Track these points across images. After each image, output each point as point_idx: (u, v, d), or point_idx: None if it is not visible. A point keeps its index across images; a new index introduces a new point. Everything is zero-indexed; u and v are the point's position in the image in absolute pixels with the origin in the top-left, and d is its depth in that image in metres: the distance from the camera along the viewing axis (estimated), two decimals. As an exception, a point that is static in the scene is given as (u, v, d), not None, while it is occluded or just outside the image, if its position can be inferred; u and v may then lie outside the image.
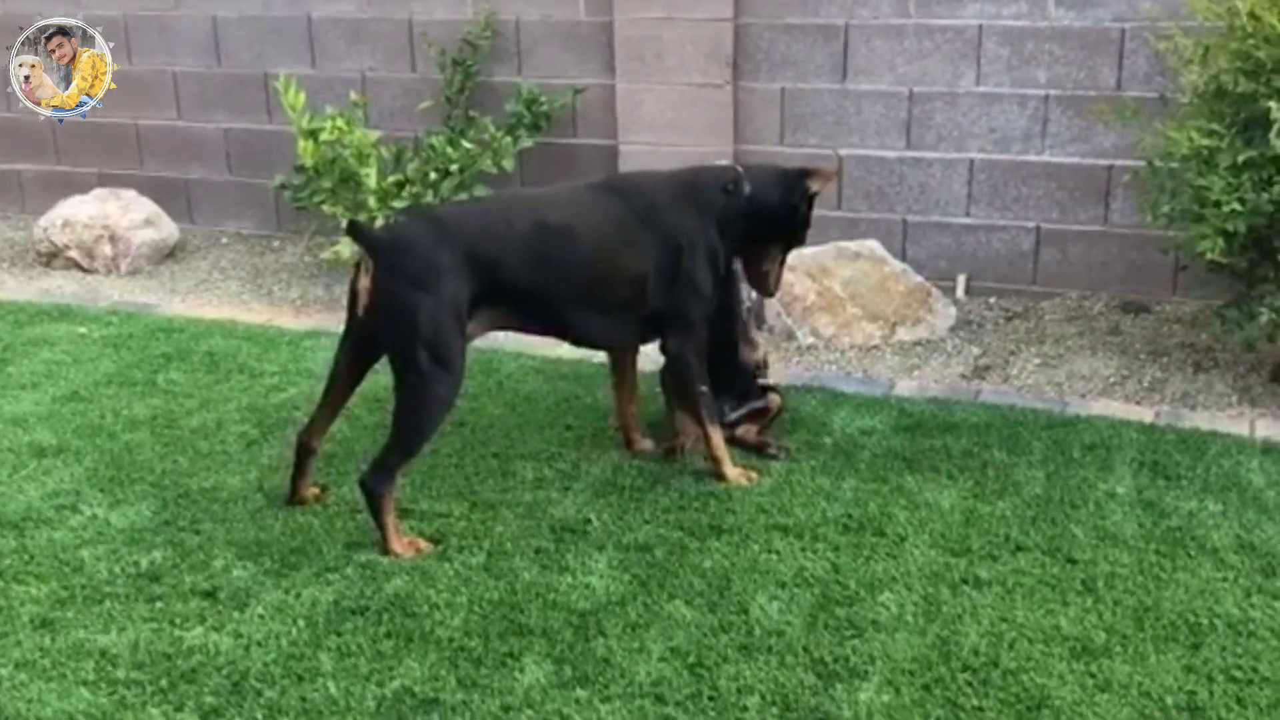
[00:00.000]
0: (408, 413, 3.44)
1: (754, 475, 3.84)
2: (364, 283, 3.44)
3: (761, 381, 4.19)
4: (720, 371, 3.95)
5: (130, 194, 6.41)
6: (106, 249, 6.12)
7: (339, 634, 3.08)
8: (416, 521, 3.60)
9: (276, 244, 6.47)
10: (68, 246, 6.16)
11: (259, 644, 3.04)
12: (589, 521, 3.59)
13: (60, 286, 5.94)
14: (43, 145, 6.87)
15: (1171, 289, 5.26)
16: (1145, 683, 2.85)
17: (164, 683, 2.90)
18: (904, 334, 5.09)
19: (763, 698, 2.83)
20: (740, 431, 4.06)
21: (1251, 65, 4.10)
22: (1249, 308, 4.30)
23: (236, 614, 3.17)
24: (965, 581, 3.27)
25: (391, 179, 5.59)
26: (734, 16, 5.51)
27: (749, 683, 2.88)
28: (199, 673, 2.93)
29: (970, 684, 2.86)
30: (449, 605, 3.19)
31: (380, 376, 3.63)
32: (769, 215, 3.86)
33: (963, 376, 4.73)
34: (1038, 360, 4.84)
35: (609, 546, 3.47)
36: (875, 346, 5.03)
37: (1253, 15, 4.06)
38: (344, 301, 3.66)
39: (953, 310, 5.26)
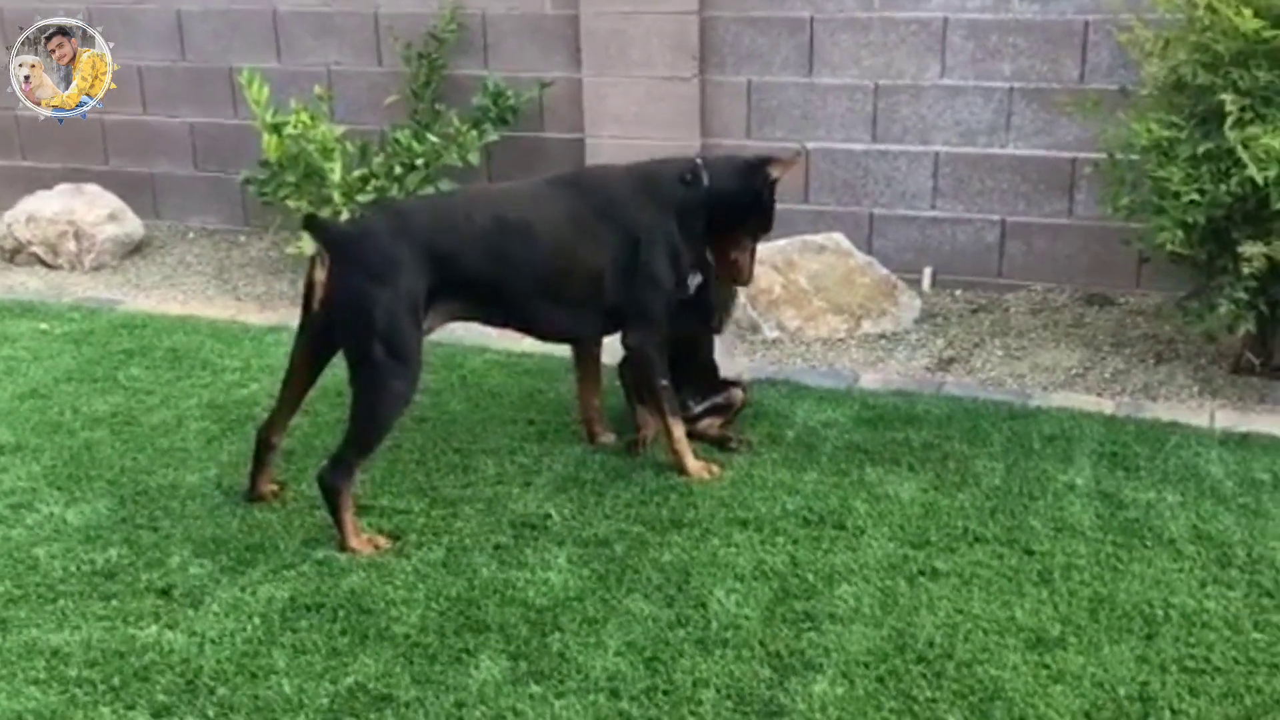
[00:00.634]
0: (364, 408, 3.43)
1: (716, 469, 3.83)
2: (320, 276, 3.42)
3: (725, 376, 4.19)
4: (683, 366, 3.95)
5: (95, 189, 6.37)
6: (71, 245, 6.08)
7: (294, 631, 3.06)
8: (376, 518, 3.59)
9: (243, 239, 6.44)
10: (31, 242, 6.11)
11: (213, 641, 3.02)
12: (549, 517, 3.59)
13: (24, 283, 5.90)
14: (7, 140, 6.81)
15: (1135, 281, 5.28)
16: (1098, 673, 2.87)
17: (116, 681, 2.88)
18: (869, 327, 5.10)
19: (718, 691, 2.83)
20: (703, 425, 4.06)
21: (1210, 58, 4.11)
22: (1209, 299, 4.31)
23: (191, 611, 3.15)
24: (923, 573, 3.28)
25: (356, 173, 5.57)
26: (699, 9, 5.50)
27: (704, 676, 2.87)
28: (151, 671, 2.91)
29: (924, 676, 2.87)
30: (406, 601, 3.18)
31: (340, 371, 3.61)
32: (731, 204, 3.85)
33: (927, 369, 4.74)
34: (1001, 352, 4.85)
35: (568, 542, 3.46)
36: (840, 339, 5.04)
37: (1211, 8, 4.06)
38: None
39: (918, 303, 5.27)
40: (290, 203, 5.61)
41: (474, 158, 5.62)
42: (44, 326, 5.19)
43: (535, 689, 2.84)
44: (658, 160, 4.07)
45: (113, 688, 2.86)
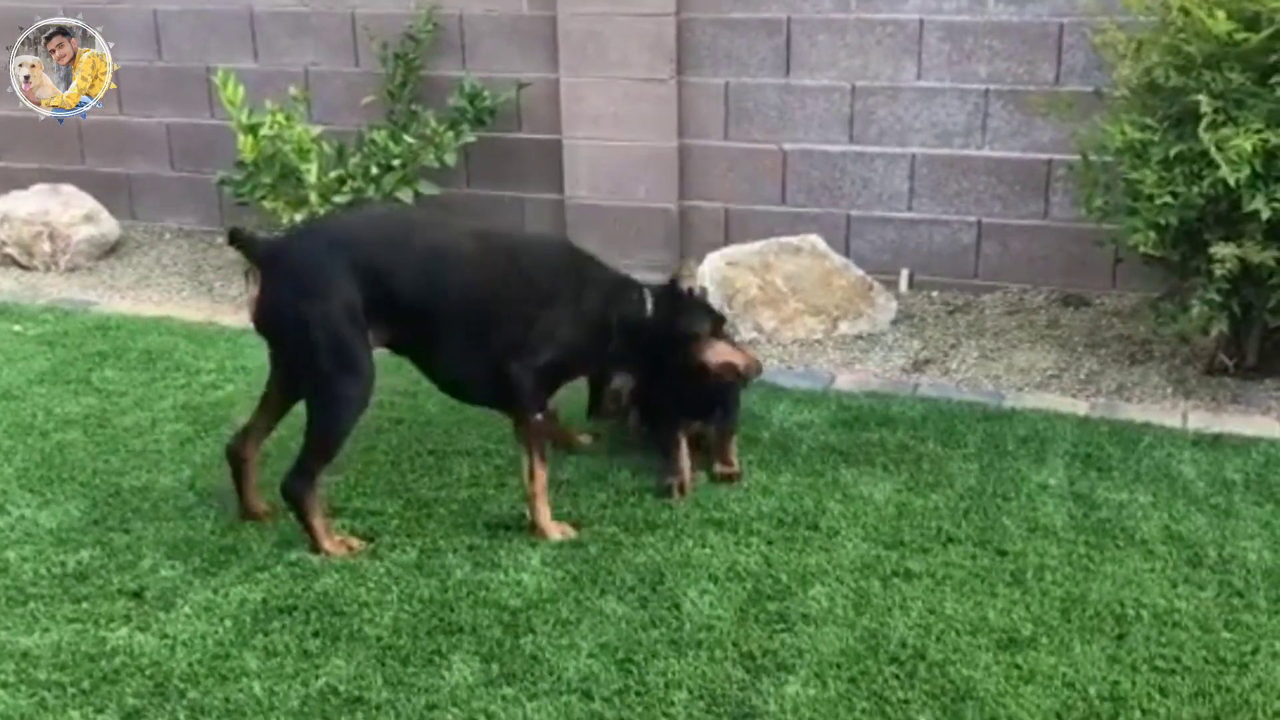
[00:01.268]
0: (318, 417, 3.39)
1: (571, 532, 3.53)
2: (252, 292, 3.38)
3: None
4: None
5: (70, 189, 6.34)
6: (45, 246, 6.05)
7: (266, 633, 3.05)
8: (350, 520, 3.58)
9: (219, 240, 6.39)
10: (5, 243, 6.08)
11: (184, 644, 3.01)
12: (523, 518, 3.57)
13: (-3, 284, 5.87)
14: (-19, 140, 6.78)
15: (1111, 282, 5.30)
16: (1069, 673, 2.88)
17: (85, 684, 2.86)
18: (846, 328, 5.11)
19: (690, 692, 2.83)
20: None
21: (1182, 60, 4.13)
22: (1182, 300, 4.33)
23: (162, 614, 3.14)
24: (896, 574, 3.29)
25: (333, 174, 5.55)
26: (676, 11, 5.50)
27: (677, 677, 2.87)
28: (121, 674, 2.90)
29: (897, 676, 2.87)
30: (378, 603, 3.17)
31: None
32: (655, 343, 3.71)
33: (903, 370, 4.76)
34: (977, 354, 4.86)
35: (542, 543, 3.46)
36: (817, 340, 5.05)
37: (1184, 10, 4.08)
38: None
39: (894, 304, 5.28)
40: (266, 204, 5.59)
41: (450, 159, 5.60)
42: (17, 328, 5.16)
43: (508, 690, 2.84)
44: (622, 277, 3.84)
45: (83, 690, 2.84)
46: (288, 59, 6.18)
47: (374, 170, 5.55)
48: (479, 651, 2.97)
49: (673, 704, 2.79)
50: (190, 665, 2.93)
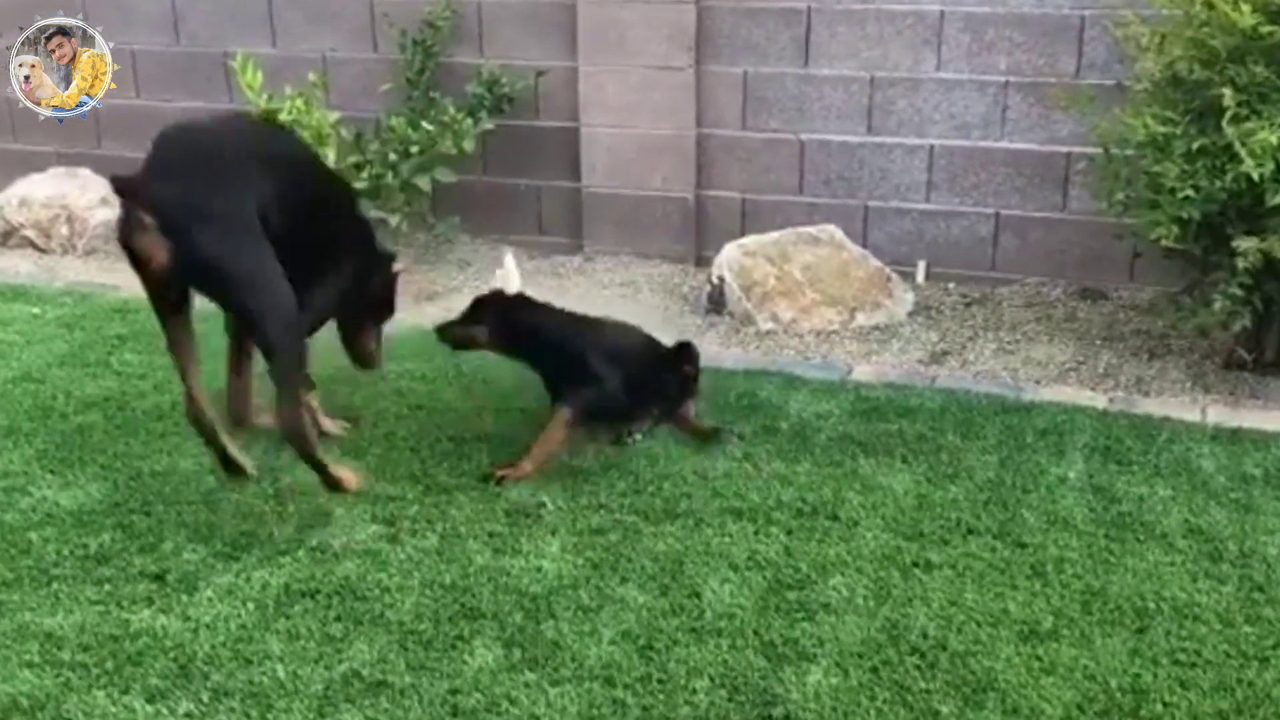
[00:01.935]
0: (261, 334, 3.44)
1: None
2: (145, 240, 3.32)
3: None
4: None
5: (87, 173, 6.36)
6: (63, 229, 6.06)
7: (288, 617, 3.06)
8: (370, 505, 3.59)
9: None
10: (23, 226, 6.10)
11: (207, 627, 3.02)
12: (543, 505, 3.59)
13: (15, 266, 5.88)
14: (0, 124, 6.77)
15: (1129, 275, 5.30)
16: (1090, 665, 2.88)
17: (109, 665, 2.87)
18: (863, 319, 5.10)
19: (712, 680, 2.83)
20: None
21: (1206, 53, 4.12)
22: (1203, 294, 4.33)
23: (185, 597, 3.15)
24: (916, 565, 3.29)
25: (351, 160, 5.55)
26: (696, -1, 5.50)
27: (698, 665, 2.88)
28: (145, 655, 2.91)
29: (918, 667, 2.88)
30: (400, 588, 3.18)
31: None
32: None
33: (920, 362, 4.75)
34: (994, 346, 4.86)
35: (562, 530, 3.47)
36: (834, 331, 5.04)
37: (1208, 4, 4.07)
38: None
39: (911, 296, 5.28)
40: (284, 189, 5.58)
41: (469, 145, 5.61)
42: (36, 311, 5.18)
43: (530, 676, 2.84)
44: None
45: (106, 672, 2.85)
46: (305, 45, 6.17)
47: (392, 156, 5.56)
48: (500, 637, 2.98)
49: (694, 692, 2.80)
50: (213, 648, 2.94)
